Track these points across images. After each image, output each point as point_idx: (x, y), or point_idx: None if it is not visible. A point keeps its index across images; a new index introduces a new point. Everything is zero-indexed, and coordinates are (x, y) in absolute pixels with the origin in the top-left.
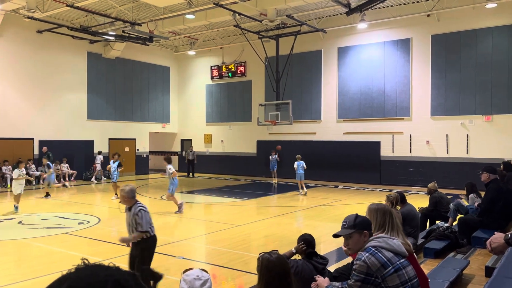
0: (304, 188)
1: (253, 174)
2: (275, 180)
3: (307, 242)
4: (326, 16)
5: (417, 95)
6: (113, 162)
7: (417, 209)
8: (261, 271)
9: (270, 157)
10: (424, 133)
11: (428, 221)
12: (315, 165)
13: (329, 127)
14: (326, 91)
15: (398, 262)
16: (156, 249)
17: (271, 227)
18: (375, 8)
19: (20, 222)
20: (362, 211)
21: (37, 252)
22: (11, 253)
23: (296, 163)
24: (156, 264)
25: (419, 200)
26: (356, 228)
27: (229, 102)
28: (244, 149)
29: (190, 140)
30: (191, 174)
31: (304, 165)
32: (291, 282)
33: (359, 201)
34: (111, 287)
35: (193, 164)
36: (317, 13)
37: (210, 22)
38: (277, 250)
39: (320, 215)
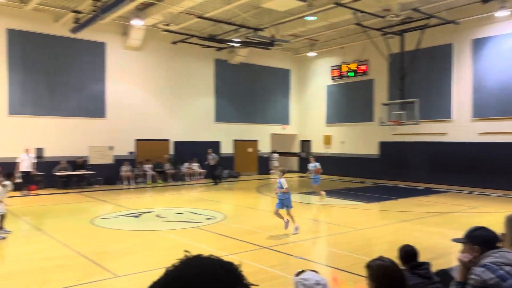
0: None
1: (376, 177)
2: (323, 197)
3: (410, 254)
4: (458, 6)
5: None
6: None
7: None
8: (378, 279)
9: (309, 166)
10: None
11: None
12: (445, 169)
13: (461, 126)
14: (458, 87)
15: None
16: (276, 248)
17: (395, 233)
18: None
19: (157, 215)
20: (502, 221)
21: (171, 243)
22: (149, 242)
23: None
24: (275, 262)
25: None
26: (468, 240)
27: (350, 102)
28: (365, 151)
29: (310, 141)
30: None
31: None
32: (407, 286)
33: (499, 210)
34: (222, 271)
35: (215, 169)
36: (447, 3)
37: (331, 22)
38: (382, 256)
39: (451, 223)
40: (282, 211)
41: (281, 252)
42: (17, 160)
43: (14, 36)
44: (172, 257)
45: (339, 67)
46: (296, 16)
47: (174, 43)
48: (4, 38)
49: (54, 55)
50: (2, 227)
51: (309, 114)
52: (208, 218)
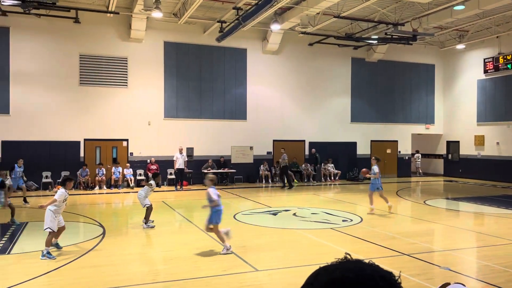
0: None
1: None
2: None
3: None
4: None
5: None
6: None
7: None
8: None
9: (374, 169)
10: None
11: None
12: None
13: None
14: None
15: None
16: (418, 256)
17: None
18: None
19: (294, 214)
20: None
21: (308, 242)
22: (286, 240)
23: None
24: (417, 271)
25: None
26: None
27: (508, 98)
28: None
29: (458, 142)
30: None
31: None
32: None
33: None
34: (380, 281)
35: (286, 171)
36: None
37: (484, 9)
38: None
39: None
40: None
41: (424, 261)
42: (173, 159)
43: (169, 48)
44: (310, 256)
45: (494, 59)
46: (442, 7)
47: (311, 44)
48: (161, 50)
49: (202, 63)
50: (149, 218)
51: (457, 112)
52: (344, 220)
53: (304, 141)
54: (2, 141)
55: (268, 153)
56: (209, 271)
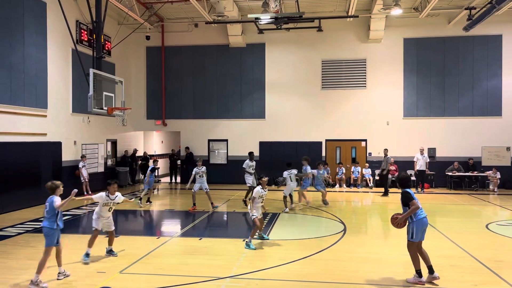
0: None
1: None
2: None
3: None
4: None
5: None
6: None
7: None
8: None
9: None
10: None
11: None
12: None
13: None
14: None
15: None
16: None
17: None
18: None
19: None
20: None
21: None
22: None
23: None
24: None
25: None
26: None
27: None
28: None
29: None
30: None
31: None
32: None
33: None
34: None
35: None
36: None
37: None
38: None
39: None
40: None
41: None
42: (413, 160)
43: (409, 44)
44: None
45: None
46: None
47: None
48: (401, 47)
49: (445, 56)
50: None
51: None
52: None
53: None
54: (260, 142)
55: None
56: (457, 283)
